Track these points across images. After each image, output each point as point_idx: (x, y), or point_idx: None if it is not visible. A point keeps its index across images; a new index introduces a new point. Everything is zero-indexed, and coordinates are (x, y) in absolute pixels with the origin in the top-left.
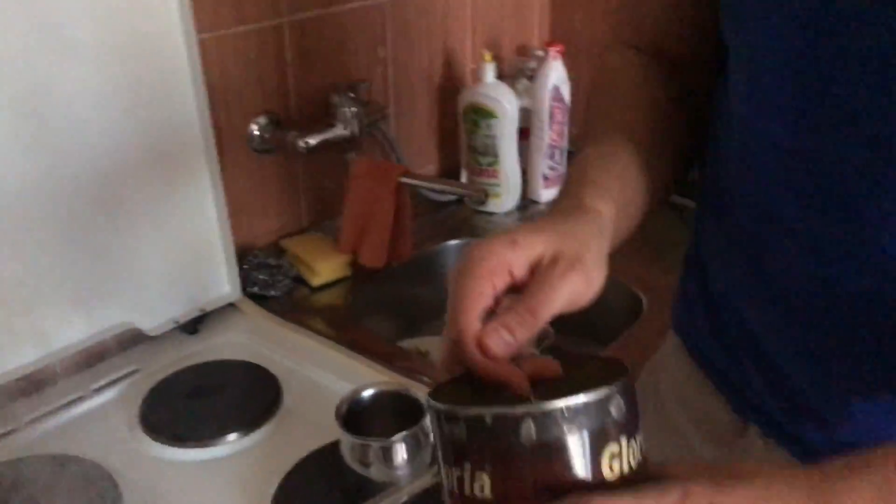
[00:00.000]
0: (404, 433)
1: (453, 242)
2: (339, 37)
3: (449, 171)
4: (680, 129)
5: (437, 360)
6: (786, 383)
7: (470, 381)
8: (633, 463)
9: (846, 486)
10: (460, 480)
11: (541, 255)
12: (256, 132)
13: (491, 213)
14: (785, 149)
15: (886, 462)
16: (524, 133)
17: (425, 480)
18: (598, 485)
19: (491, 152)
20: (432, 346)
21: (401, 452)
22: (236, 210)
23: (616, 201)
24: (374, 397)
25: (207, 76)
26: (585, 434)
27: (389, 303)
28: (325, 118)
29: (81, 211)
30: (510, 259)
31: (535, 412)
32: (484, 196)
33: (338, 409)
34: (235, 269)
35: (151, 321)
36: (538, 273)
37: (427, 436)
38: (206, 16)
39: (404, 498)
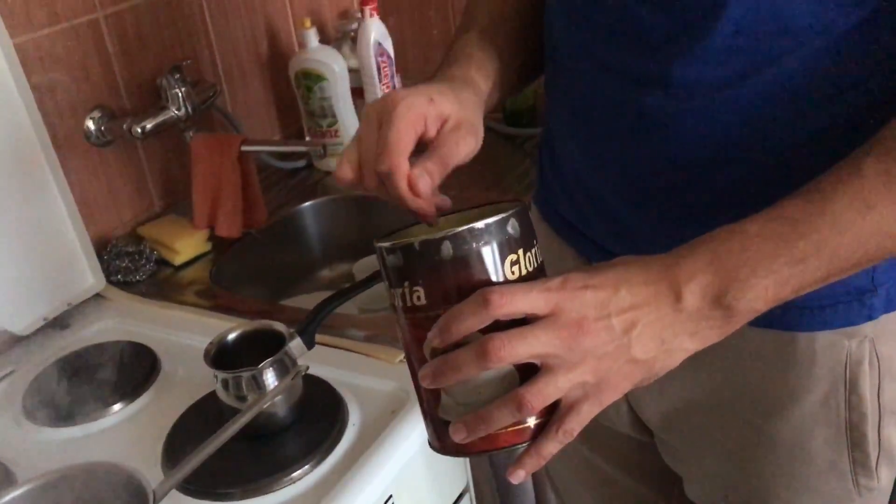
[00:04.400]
0: (270, 359)
1: (308, 204)
2: (158, 23)
3: (294, 139)
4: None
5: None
6: (616, 218)
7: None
8: (530, 268)
9: (687, 252)
10: (403, 296)
11: (448, 116)
12: (92, 127)
13: None
14: None
15: (716, 236)
16: (359, 93)
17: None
18: (503, 282)
19: (329, 113)
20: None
21: (270, 378)
22: (87, 204)
23: (491, 79)
24: (239, 337)
25: (31, 78)
26: (489, 247)
27: (256, 271)
28: (157, 102)
29: None
30: (427, 113)
31: (450, 234)
32: (322, 149)
33: (206, 352)
34: (96, 261)
35: (21, 322)
36: (446, 131)
37: (293, 361)
38: (17, 19)
39: (269, 402)
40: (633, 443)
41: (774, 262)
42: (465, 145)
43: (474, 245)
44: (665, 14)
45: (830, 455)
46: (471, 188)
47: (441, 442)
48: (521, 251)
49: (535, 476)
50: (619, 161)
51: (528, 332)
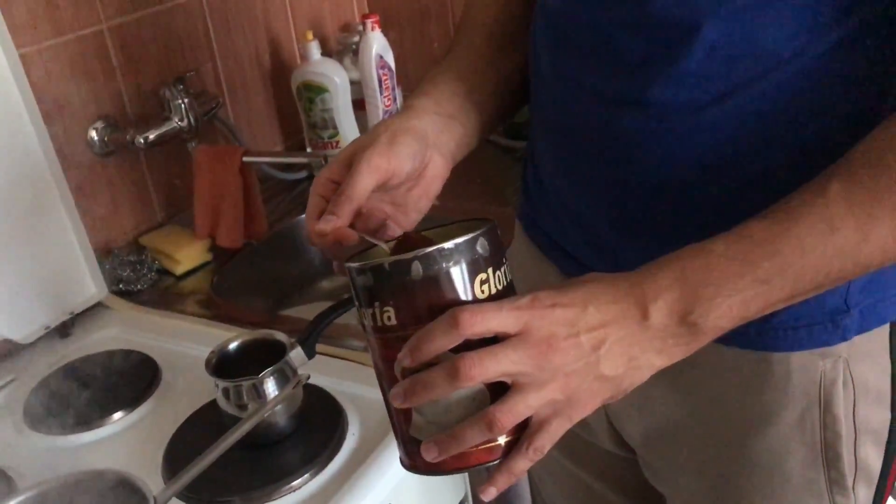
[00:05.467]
0: (271, 368)
1: None
2: (162, 35)
3: (296, 150)
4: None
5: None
6: (595, 235)
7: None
8: (499, 286)
9: (655, 269)
10: (373, 316)
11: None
12: (95, 137)
13: None
14: (565, 16)
15: (683, 254)
16: (361, 105)
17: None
18: (472, 301)
19: (330, 125)
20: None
21: (271, 388)
22: (90, 214)
23: (476, 97)
24: (241, 346)
25: (36, 89)
26: (459, 267)
27: (255, 281)
28: (160, 114)
29: None
30: (387, 168)
31: (420, 255)
32: (324, 161)
33: (208, 361)
34: (98, 270)
35: (22, 330)
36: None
37: (294, 370)
38: (23, 30)
39: (269, 411)
40: (616, 459)
41: (739, 281)
42: (369, 174)
43: (444, 265)
44: (640, 37)
45: (807, 474)
46: (470, 200)
47: (412, 460)
48: (490, 270)
49: (532, 487)
50: (596, 180)
51: (499, 351)
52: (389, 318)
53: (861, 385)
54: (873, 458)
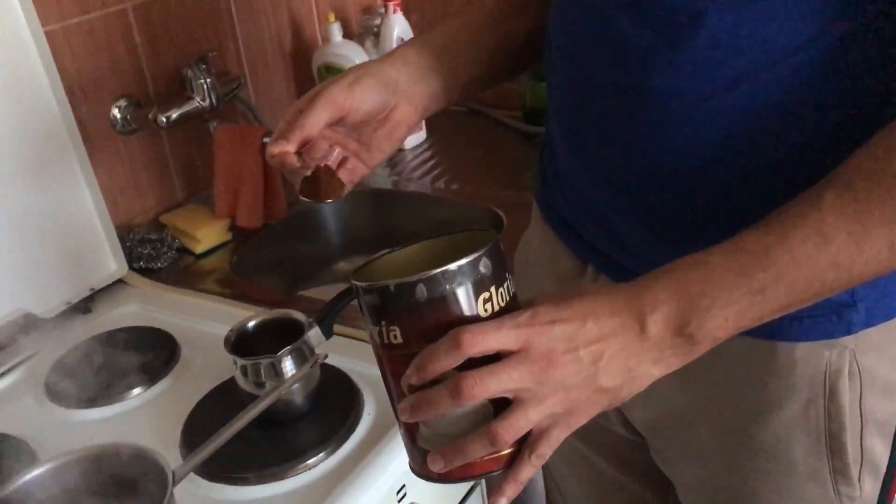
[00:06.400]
0: (289, 347)
1: None
2: (184, 14)
3: None
4: None
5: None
6: (605, 220)
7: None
8: (502, 303)
9: (651, 281)
10: (380, 334)
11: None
12: (118, 115)
13: None
14: (573, 1)
15: (675, 268)
16: None
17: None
18: (475, 319)
19: None
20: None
21: (288, 366)
22: (111, 192)
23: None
24: (259, 325)
25: (61, 67)
26: (463, 288)
27: (274, 261)
28: (182, 93)
29: None
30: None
31: (424, 277)
32: None
33: (227, 339)
34: (119, 247)
35: (44, 305)
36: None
37: (311, 350)
38: (49, 8)
39: (287, 388)
40: (627, 442)
41: (734, 292)
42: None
43: (448, 287)
44: (646, 26)
45: (811, 463)
46: (489, 185)
47: (421, 468)
48: (493, 288)
49: (545, 473)
50: (604, 166)
51: (500, 370)
52: (395, 336)
53: (868, 376)
54: (880, 450)
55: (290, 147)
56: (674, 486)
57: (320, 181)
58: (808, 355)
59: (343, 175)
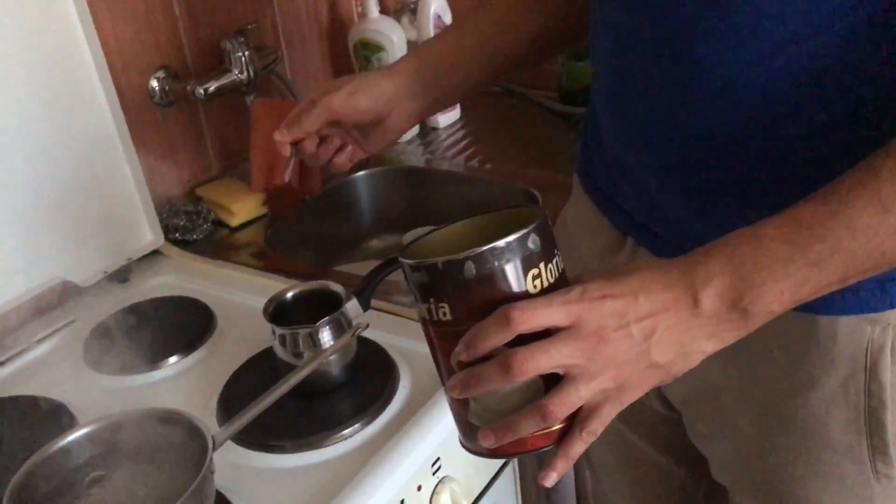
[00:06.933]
0: (327, 318)
1: (361, 174)
2: None
3: None
4: None
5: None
6: (646, 191)
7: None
8: (551, 279)
9: (703, 256)
10: (429, 311)
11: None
12: (156, 86)
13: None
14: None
15: (727, 242)
16: None
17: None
18: (525, 296)
19: None
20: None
21: (326, 337)
22: (149, 163)
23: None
24: (297, 296)
25: (101, 37)
26: (512, 264)
27: (308, 236)
28: (220, 65)
29: (8, 183)
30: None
31: (472, 255)
32: None
33: (265, 308)
34: (156, 218)
35: (82, 273)
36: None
37: (349, 321)
38: None
39: (325, 358)
40: (662, 418)
41: (790, 265)
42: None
43: (496, 263)
44: None
45: (848, 440)
46: (525, 166)
47: (471, 444)
48: (542, 264)
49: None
50: (647, 136)
51: (550, 346)
52: (444, 313)
53: None
54: None
55: (287, 139)
56: (706, 463)
57: (283, 199)
58: (850, 330)
59: (342, 157)
